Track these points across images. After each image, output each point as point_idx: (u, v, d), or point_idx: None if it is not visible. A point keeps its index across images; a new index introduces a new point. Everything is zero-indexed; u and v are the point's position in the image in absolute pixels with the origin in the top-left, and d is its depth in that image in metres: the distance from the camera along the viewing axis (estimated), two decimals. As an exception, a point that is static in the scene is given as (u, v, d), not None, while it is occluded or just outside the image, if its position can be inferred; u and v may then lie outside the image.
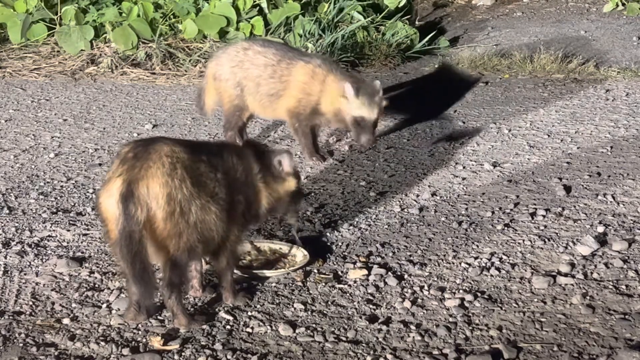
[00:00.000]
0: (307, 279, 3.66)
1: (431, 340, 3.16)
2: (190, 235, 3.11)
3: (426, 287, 3.57)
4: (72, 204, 4.52)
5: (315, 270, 3.73)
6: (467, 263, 3.79)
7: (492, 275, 3.67)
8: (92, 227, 4.19)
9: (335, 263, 3.82)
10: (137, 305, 3.26)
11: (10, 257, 3.86)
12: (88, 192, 4.69)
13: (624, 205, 4.44)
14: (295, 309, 3.40)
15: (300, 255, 3.83)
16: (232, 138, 5.37)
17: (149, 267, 3.08)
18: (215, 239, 3.22)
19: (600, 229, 4.12)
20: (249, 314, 3.36)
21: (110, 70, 7.43)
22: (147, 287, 3.10)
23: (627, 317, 3.28)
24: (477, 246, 3.98)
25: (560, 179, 4.85)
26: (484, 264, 3.77)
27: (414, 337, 3.18)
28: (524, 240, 4.01)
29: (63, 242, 4.04)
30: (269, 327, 3.26)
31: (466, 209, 4.44)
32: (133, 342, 3.15)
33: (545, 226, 4.19)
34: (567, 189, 4.66)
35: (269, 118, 5.70)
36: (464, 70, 7.57)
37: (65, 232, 4.13)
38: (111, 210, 3.04)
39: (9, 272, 3.71)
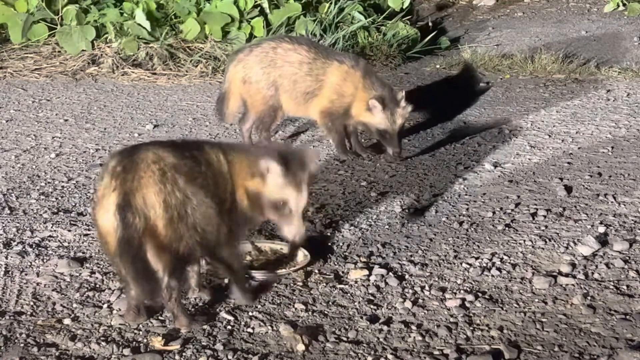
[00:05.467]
0: (308, 279, 3.66)
1: (432, 341, 3.16)
2: (189, 239, 3.10)
3: (427, 288, 3.57)
4: (73, 204, 4.52)
5: (316, 271, 3.73)
6: (468, 263, 3.79)
7: (493, 276, 3.67)
8: (93, 227, 4.18)
9: (336, 263, 3.82)
10: (137, 309, 3.26)
11: (12, 257, 3.86)
12: (89, 192, 4.69)
13: (624, 205, 4.44)
14: (296, 309, 3.40)
15: (301, 255, 3.83)
16: (268, 139, 5.34)
17: (151, 267, 3.07)
18: (214, 236, 3.20)
19: (601, 229, 4.12)
20: (250, 314, 3.36)
21: (111, 70, 7.43)
22: (151, 285, 3.08)
23: (628, 317, 3.28)
24: (478, 246, 3.97)
25: (561, 179, 4.85)
26: (484, 264, 3.77)
27: (414, 337, 3.18)
28: (524, 241, 4.01)
29: (64, 242, 4.04)
30: (269, 327, 3.26)
31: (467, 209, 4.44)
32: (134, 343, 3.15)
33: (546, 226, 4.18)
34: (568, 189, 4.66)
35: (301, 116, 5.65)
36: (465, 70, 7.56)
37: (66, 233, 4.13)
38: (109, 224, 3.02)
39: (10, 272, 3.71)
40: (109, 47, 7.63)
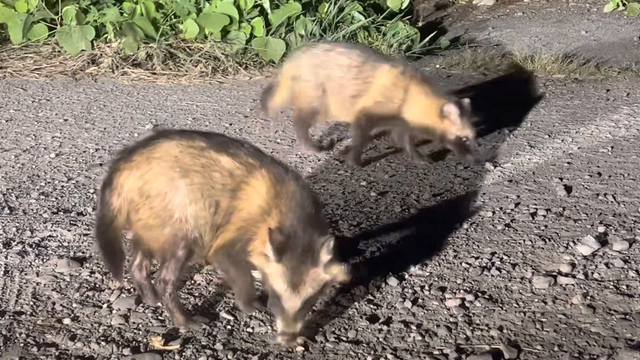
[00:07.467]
0: (308, 279, 3.65)
1: (432, 340, 3.16)
2: (178, 230, 3.07)
3: (427, 287, 3.57)
4: (73, 204, 4.52)
5: (316, 270, 3.72)
6: (467, 263, 3.79)
7: (492, 275, 3.67)
8: (92, 227, 4.19)
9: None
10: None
11: (11, 257, 3.86)
12: (89, 192, 4.69)
13: (624, 205, 4.44)
14: (295, 309, 3.39)
15: None
16: (305, 137, 5.33)
17: (116, 243, 3.14)
18: (209, 238, 3.14)
19: (601, 229, 4.12)
20: (250, 314, 3.35)
21: (111, 70, 7.43)
22: (113, 259, 3.16)
23: (627, 317, 3.28)
24: (478, 246, 3.98)
25: (561, 179, 4.85)
26: (484, 264, 3.77)
27: (414, 337, 3.18)
28: (524, 240, 4.01)
29: (64, 242, 4.04)
30: (269, 327, 3.25)
31: (467, 209, 4.44)
32: (134, 342, 3.15)
33: (546, 226, 4.19)
34: (568, 189, 4.66)
35: (348, 120, 5.37)
36: (465, 70, 7.57)
37: (66, 232, 4.13)
38: None
39: (10, 272, 3.71)
40: (108, 46, 7.63)
